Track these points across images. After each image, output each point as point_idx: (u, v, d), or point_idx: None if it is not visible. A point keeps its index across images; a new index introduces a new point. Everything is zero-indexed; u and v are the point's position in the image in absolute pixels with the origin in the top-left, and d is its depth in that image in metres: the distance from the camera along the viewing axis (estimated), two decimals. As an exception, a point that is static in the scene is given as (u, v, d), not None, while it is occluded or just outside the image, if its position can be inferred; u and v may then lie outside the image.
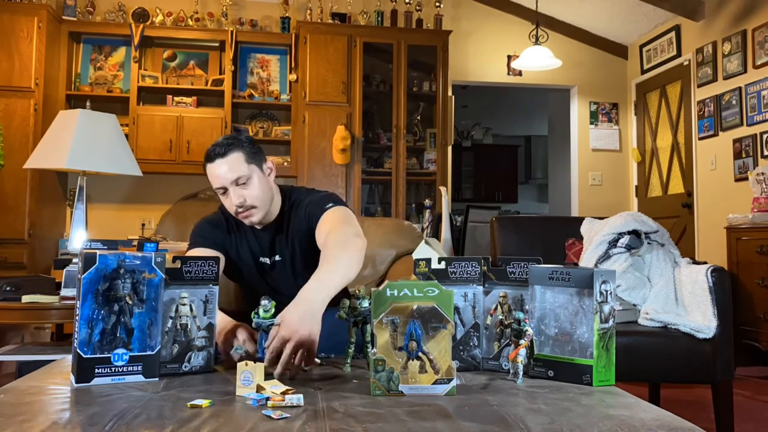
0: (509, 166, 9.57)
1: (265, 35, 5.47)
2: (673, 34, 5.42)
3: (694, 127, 5.17)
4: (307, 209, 1.86)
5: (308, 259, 1.81)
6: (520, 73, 5.89)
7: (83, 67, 5.27)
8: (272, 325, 1.43)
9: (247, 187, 1.80)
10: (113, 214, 5.24)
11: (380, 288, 1.30)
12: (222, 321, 1.58)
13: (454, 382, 1.26)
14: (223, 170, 1.78)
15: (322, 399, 1.23)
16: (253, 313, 1.53)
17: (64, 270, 2.84)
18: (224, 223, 1.93)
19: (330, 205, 1.83)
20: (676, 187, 5.43)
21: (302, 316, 1.42)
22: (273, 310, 1.49)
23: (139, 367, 1.36)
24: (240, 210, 1.81)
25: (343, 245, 1.63)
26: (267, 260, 1.90)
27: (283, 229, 1.90)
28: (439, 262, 1.58)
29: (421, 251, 2.58)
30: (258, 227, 1.89)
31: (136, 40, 5.10)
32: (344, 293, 1.81)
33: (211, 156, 1.79)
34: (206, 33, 5.32)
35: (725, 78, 4.80)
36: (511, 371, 1.42)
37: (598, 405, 1.23)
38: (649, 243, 2.70)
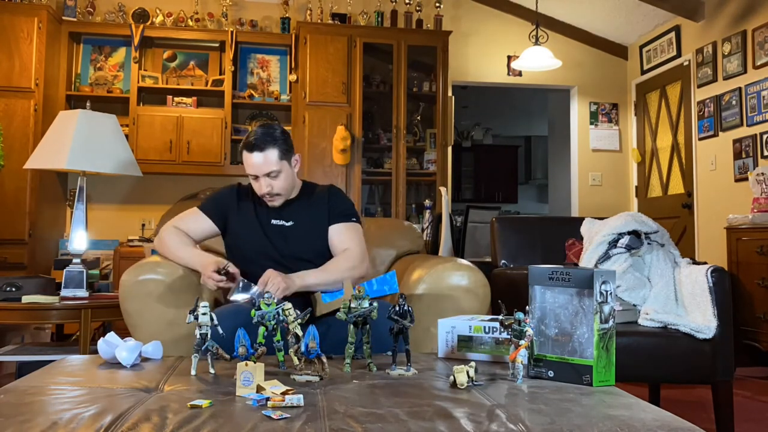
0: (509, 167, 9.57)
1: (265, 35, 5.47)
2: (673, 34, 5.42)
3: (694, 128, 5.17)
4: (334, 203, 2.21)
5: (311, 229, 2.17)
6: (520, 74, 5.89)
7: (83, 68, 5.27)
8: (277, 316, 1.53)
9: (275, 179, 2.10)
10: (113, 215, 5.23)
11: None
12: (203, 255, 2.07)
13: None
14: (259, 163, 2.08)
15: (322, 399, 1.23)
16: (253, 311, 1.55)
17: (64, 270, 2.85)
18: (234, 196, 2.23)
19: (354, 219, 2.21)
20: (676, 187, 5.43)
21: (284, 278, 1.94)
22: (273, 303, 1.54)
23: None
24: (266, 196, 2.12)
25: (348, 269, 2.08)
26: (278, 222, 2.18)
27: (303, 203, 2.21)
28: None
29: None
30: (270, 205, 2.19)
31: (136, 40, 5.09)
32: None
33: (251, 147, 2.08)
34: (206, 33, 5.31)
35: (725, 78, 4.80)
36: (511, 371, 1.42)
37: (598, 405, 1.23)
38: (649, 243, 2.69)
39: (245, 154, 2.11)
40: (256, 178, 2.11)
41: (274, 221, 2.18)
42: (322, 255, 2.15)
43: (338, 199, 2.25)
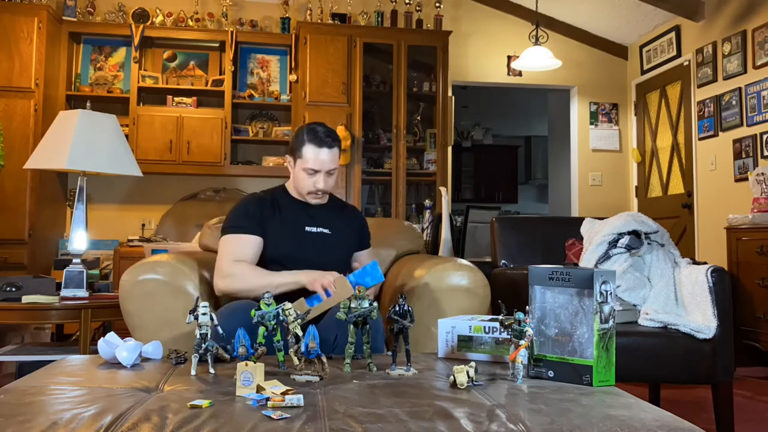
0: (509, 167, 9.56)
1: (265, 36, 5.47)
2: (673, 34, 5.42)
3: (694, 128, 5.17)
4: (365, 229, 2.38)
5: (345, 239, 2.27)
6: (520, 74, 5.89)
7: (83, 68, 5.27)
8: (277, 316, 1.54)
9: (331, 177, 2.19)
10: (113, 215, 5.23)
11: None
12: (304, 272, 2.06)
13: None
14: (328, 159, 2.14)
15: (322, 399, 1.23)
16: (253, 310, 1.55)
17: (64, 270, 2.85)
18: (267, 204, 2.23)
19: (370, 243, 2.39)
20: (676, 187, 5.43)
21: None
22: (273, 303, 1.56)
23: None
24: (318, 192, 2.18)
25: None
26: (314, 229, 2.21)
27: (334, 213, 2.29)
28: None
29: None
30: (313, 202, 2.23)
31: (136, 40, 5.09)
32: None
33: (323, 142, 2.13)
34: (206, 33, 5.31)
35: (725, 78, 4.80)
36: (511, 371, 1.42)
37: (598, 405, 1.23)
38: (649, 243, 2.69)
39: (313, 149, 2.12)
40: (314, 173, 2.15)
41: (308, 228, 2.20)
42: (346, 265, 2.25)
43: (366, 226, 2.41)
